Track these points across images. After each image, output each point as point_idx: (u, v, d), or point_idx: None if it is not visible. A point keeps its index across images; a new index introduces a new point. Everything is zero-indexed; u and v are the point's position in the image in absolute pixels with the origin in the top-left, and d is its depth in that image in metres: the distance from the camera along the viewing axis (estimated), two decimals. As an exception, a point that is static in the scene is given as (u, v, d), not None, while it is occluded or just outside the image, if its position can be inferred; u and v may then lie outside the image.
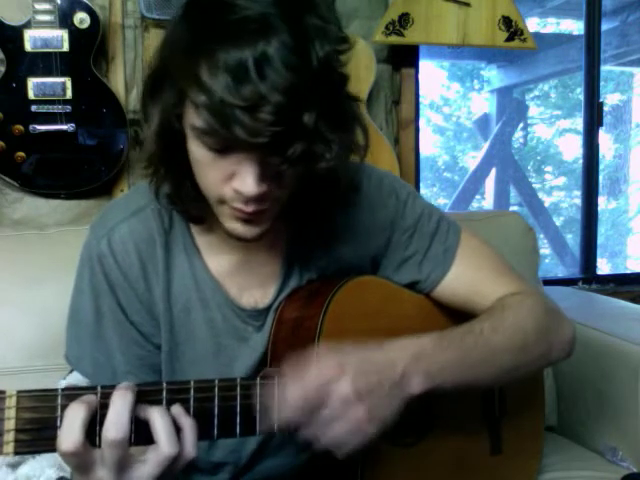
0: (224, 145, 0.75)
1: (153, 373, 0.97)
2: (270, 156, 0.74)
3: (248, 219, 0.82)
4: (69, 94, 1.74)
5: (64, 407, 0.69)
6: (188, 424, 0.74)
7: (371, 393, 0.79)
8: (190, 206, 0.89)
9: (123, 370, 0.95)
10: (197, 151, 0.78)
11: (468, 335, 0.90)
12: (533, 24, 4.62)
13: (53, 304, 1.36)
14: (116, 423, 0.69)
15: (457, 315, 1.05)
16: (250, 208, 0.79)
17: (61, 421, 0.69)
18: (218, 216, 0.85)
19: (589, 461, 1.45)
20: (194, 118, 0.74)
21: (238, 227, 0.83)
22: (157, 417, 0.72)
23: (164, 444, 0.71)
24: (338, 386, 0.77)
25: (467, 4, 2.04)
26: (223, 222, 0.84)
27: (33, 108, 1.73)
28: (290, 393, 0.77)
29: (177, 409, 0.74)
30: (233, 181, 0.77)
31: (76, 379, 1.23)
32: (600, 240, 3.01)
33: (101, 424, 0.70)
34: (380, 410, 0.80)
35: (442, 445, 1.04)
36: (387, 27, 2.01)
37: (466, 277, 1.02)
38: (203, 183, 0.82)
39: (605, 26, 2.82)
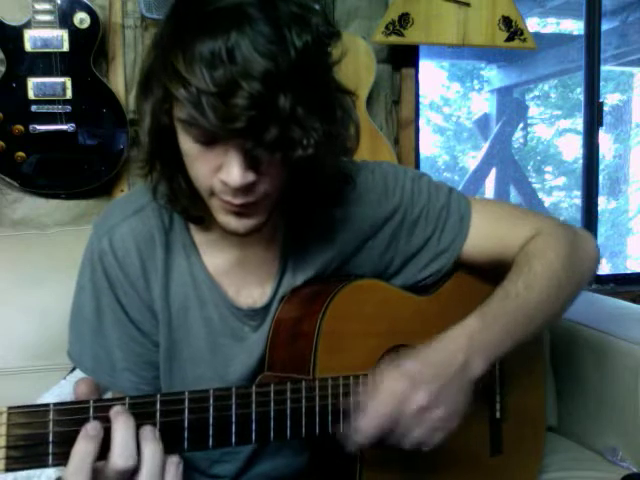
0: (209, 137, 0.75)
1: (152, 370, 0.97)
2: (247, 141, 0.74)
3: (239, 212, 0.82)
4: (69, 94, 1.74)
5: (56, 422, 0.67)
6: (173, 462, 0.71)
7: (444, 392, 0.84)
8: (187, 204, 0.89)
9: (122, 366, 0.96)
10: (185, 144, 0.79)
11: (507, 302, 0.93)
12: (533, 24, 4.63)
13: (53, 304, 1.36)
14: (124, 453, 0.68)
15: (459, 314, 1.05)
16: (238, 200, 0.80)
17: (54, 436, 0.67)
18: (211, 210, 0.85)
19: (589, 461, 1.45)
20: (178, 111, 0.75)
21: (231, 221, 0.83)
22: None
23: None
24: (414, 397, 0.81)
25: (467, 4, 2.04)
26: (216, 216, 0.85)
27: (33, 108, 1.73)
28: (369, 416, 0.81)
29: (174, 459, 0.71)
30: (220, 173, 0.78)
31: (77, 378, 1.23)
32: (600, 240, 3.02)
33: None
34: (455, 405, 0.85)
35: (442, 446, 1.03)
36: (387, 27, 2.01)
37: (487, 233, 1.05)
38: (194, 176, 0.82)
39: (605, 26, 2.82)
